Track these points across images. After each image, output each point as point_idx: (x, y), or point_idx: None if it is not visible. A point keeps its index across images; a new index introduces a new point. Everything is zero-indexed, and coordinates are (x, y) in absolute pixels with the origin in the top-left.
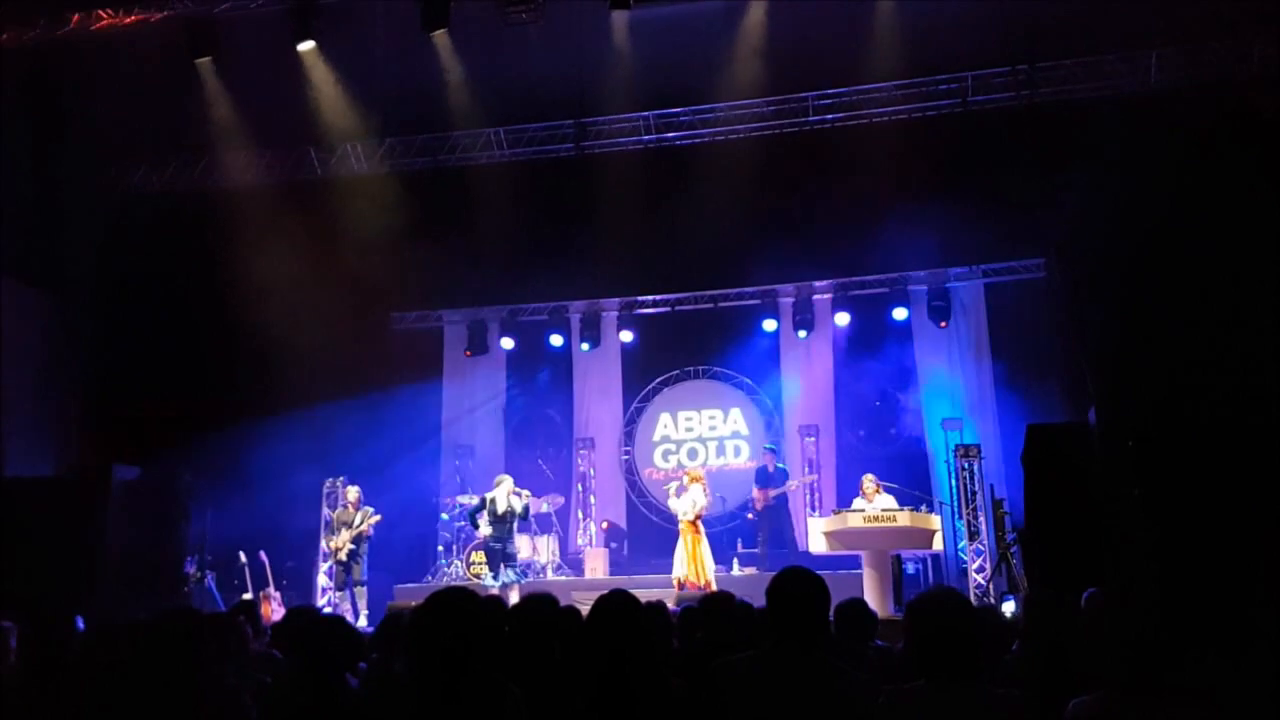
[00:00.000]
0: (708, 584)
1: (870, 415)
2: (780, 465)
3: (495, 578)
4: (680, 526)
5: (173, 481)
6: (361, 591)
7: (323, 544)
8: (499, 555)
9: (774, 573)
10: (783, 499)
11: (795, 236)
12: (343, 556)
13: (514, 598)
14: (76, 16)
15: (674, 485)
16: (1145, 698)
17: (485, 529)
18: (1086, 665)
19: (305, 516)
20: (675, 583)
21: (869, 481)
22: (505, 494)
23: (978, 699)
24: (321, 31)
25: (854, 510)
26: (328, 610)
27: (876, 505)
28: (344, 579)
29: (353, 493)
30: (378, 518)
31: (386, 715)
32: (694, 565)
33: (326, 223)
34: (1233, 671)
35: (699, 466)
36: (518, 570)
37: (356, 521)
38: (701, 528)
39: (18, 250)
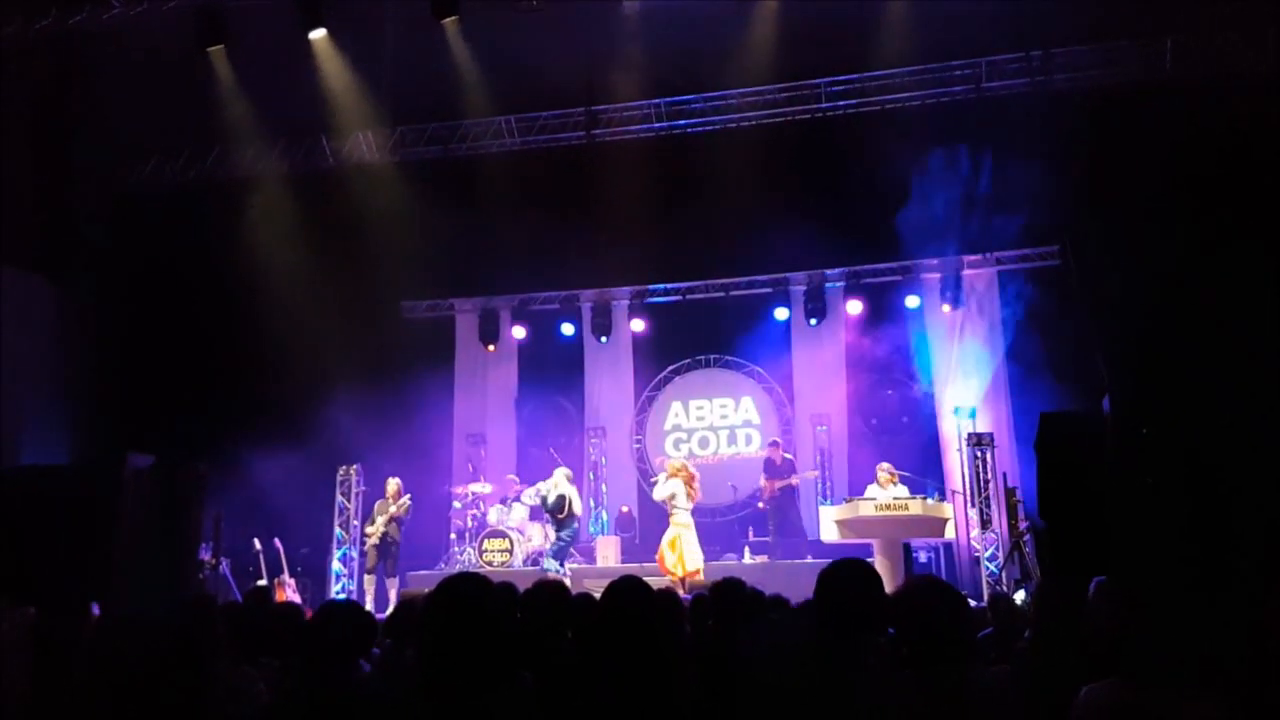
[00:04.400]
0: (687, 576)
1: (882, 403)
2: (787, 456)
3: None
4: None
5: (187, 469)
6: (393, 581)
7: (337, 530)
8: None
9: (785, 560)
10: (790, 490)
11: (807, 224)
12: (376, 540)
13: None
14: (87, 6)
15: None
16: (1157, 687)
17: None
18: (1095, 653)
19: (319, 503)
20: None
21: (883, 470)
22: (550, 485)
23: (965, 680)
24: (332, 19)
25: (866, 499)
26: (341, 596)
27: (888, 494)
28: (375, 563)
29: (392, 485)
30: (407, 503)
31: (398, 702)
32: (671, 554)
33: (338, 212)
34: (1243, 662)
35: (681, 458)
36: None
37: (392, 510)
38: (684, 519)
39: (32, 242)
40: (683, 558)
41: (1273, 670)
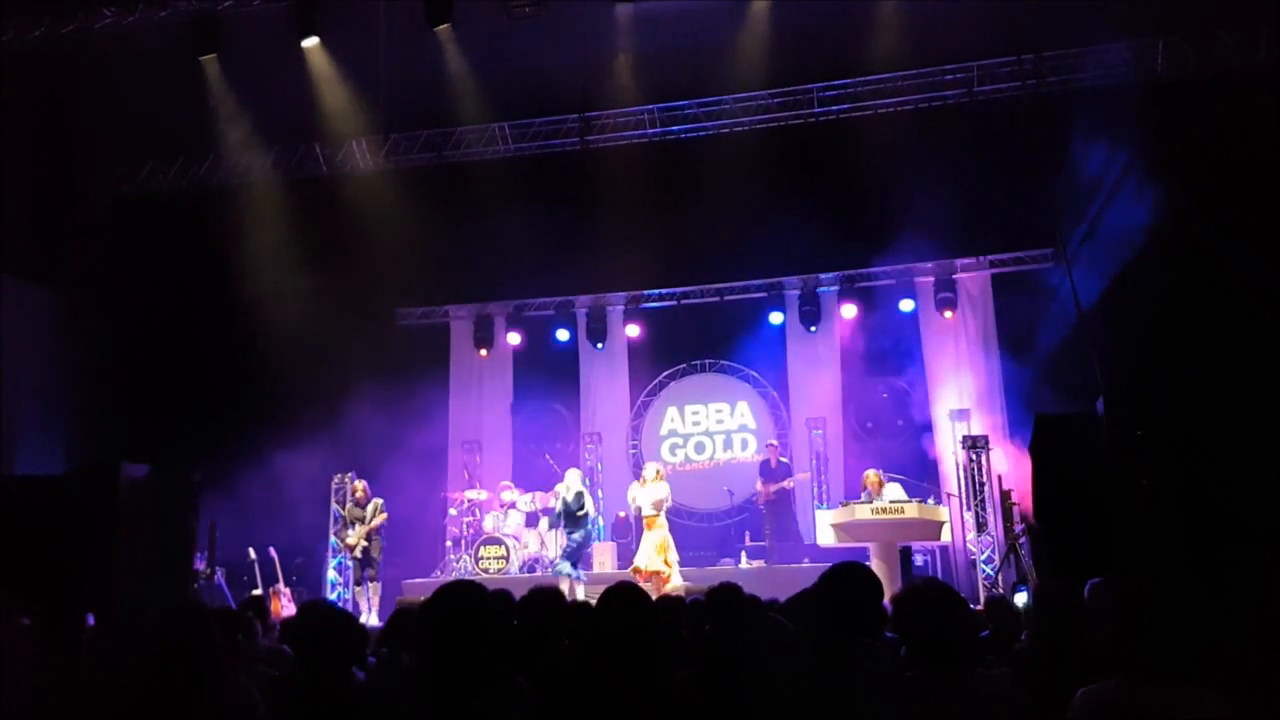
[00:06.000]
0: (656, 574)
1: (877, 407)
2: (783, 460)
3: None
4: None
5: (182, 478)
6: (375, 587)
7: (332, 539)
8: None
9: (782, 565)
10: (786, 493)
11: (800, 228)
12: (358, 553)
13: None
14: (80, 14)
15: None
16: (1153, 686)
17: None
18: (1092, 653)
19: (314, 512)
20: (634, 570)
21: (871, 478)
22: (565, 487)
23: (966, 683)
24: (325, 27)
25: (861, 503)
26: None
27: (884, 497)
28: (360, 574)
29: (360, 487)
30: (384, 515)
31: (394, 709)
32: (660, 555)
33: (332, 219)
34: (1241, 660)
35: (658, 464)
36: (569, 562)
37: (368, 516)
38: (657, 521)
39: (26, 250)
40: (653, 559)
41: (1272, 665)
